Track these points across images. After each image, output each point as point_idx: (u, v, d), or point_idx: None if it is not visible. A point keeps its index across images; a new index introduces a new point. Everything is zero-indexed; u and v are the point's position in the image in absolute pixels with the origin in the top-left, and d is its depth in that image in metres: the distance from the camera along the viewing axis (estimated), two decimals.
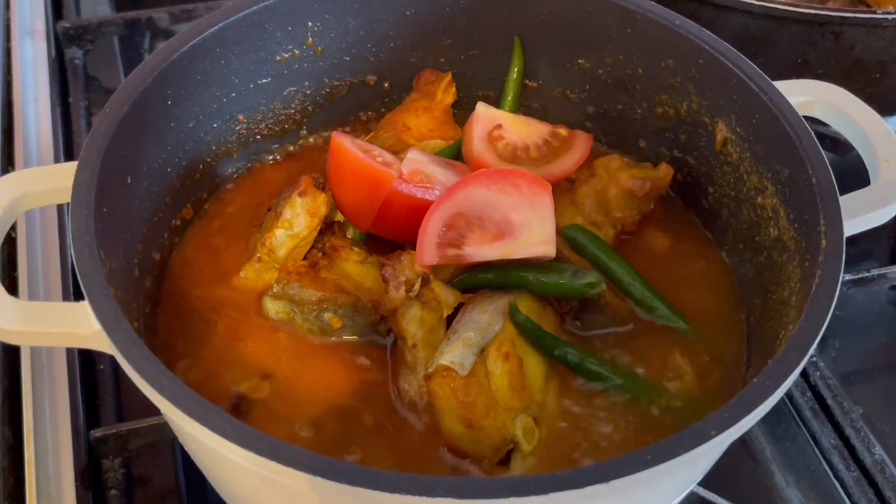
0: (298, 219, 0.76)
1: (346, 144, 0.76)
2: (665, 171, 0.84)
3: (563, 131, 0.85)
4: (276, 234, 0.76)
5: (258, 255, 0.77)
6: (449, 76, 0.91)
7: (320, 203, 0.77)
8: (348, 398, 0.71)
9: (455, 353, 0.67)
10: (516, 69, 0.91)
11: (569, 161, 0.84)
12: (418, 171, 0.77)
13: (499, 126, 0.84)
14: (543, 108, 0.92)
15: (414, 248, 0.73)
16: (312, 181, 0.78)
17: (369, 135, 0.88)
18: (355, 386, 0.72)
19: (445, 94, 0.90)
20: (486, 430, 0.66)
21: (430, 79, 0.91)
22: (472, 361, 0.67)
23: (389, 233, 0.78)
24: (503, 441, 0.67)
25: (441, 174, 0.77)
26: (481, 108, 0.84)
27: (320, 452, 0.54)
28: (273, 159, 0.90)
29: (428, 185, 0.76)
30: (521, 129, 0.84)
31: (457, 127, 0.89)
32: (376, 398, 0.72)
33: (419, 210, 0.73)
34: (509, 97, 0.90)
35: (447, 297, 0.72)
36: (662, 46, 0.83)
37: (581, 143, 0.85)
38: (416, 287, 0.71)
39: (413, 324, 0.71)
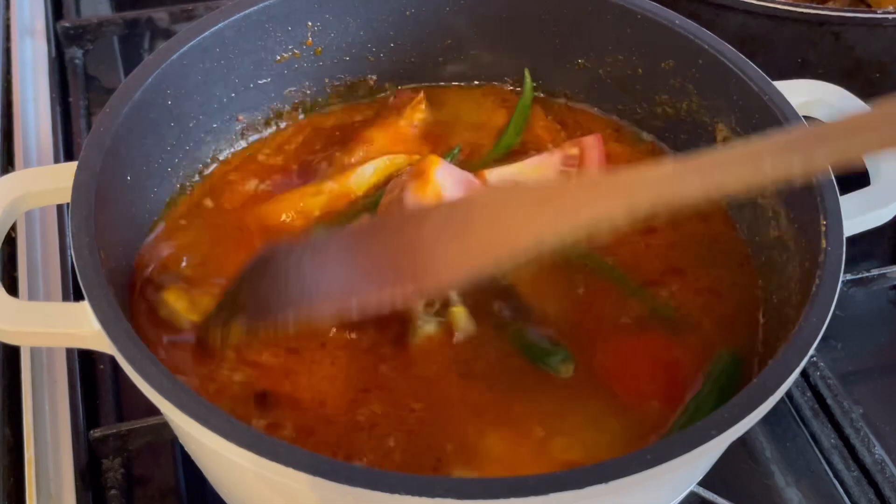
0: None
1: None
2: None
3: (572, 150, 0.84)
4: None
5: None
6: (421, 95, 0.90)
7: None
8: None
9: None
10: (526, 101, 0.90)
11: None
12: None
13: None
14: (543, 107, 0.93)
15: None
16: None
17: (345, 149, 0.86)
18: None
19: (413, 110, 0.89)
20: None
21: (405, 99, 0.90)
22: None
23: None
24: None
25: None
26: (492, 176, 0.82)
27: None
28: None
29: None
30: (536, 174, 0.83)
31: (424, 142, 0.88)
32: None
33: None
34: (511, 129, 0.89)
35: (466, 326, 0.72)
36: (662, 46, 0.83)
37: (592, 156, 0.83)
38: (437, 305, 0.71)
39: (422, 340, 0.71)
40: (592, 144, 0.84)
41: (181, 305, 0.72)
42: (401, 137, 0.88)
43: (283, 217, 0.80)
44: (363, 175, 0.82)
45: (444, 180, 0.76)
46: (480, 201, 0.66)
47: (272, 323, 0.65)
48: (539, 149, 0.87)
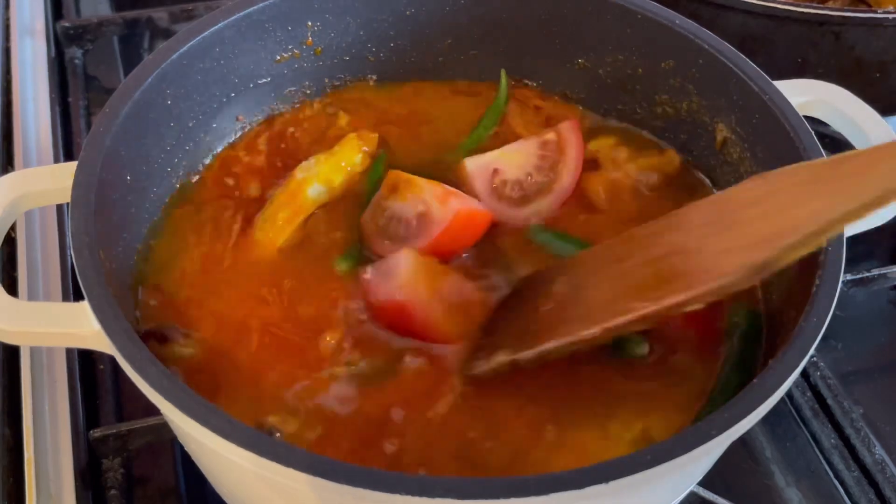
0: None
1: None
2: (672, 157, 0.84)
3: (549, 135, 0.84)
4: None
5: None
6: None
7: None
8: None
9: None
10: (500, 100, 0.90)
11: (568, 169, 0.82)
12: None
13: (496, 171, 0.82)
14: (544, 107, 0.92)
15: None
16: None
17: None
18: None
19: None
20: None
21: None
22: None
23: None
24: None
25: None
26: (470, 164, 0.82)
27: None
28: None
29: None
30: (515, 160, 0.82)
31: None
32: None
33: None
34: (485, 122, 0.89)
35: None
36: (662, 46, 0.83)
37: (571, 139, 0.83)
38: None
39: None
40: (570, 129, 0.84)
41: (189, 350, 0.71)
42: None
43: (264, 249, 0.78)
44: (301, 178, 0.81)
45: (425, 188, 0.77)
46: (742, 193, 0.64)
47: (539, 350, 0.64)
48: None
